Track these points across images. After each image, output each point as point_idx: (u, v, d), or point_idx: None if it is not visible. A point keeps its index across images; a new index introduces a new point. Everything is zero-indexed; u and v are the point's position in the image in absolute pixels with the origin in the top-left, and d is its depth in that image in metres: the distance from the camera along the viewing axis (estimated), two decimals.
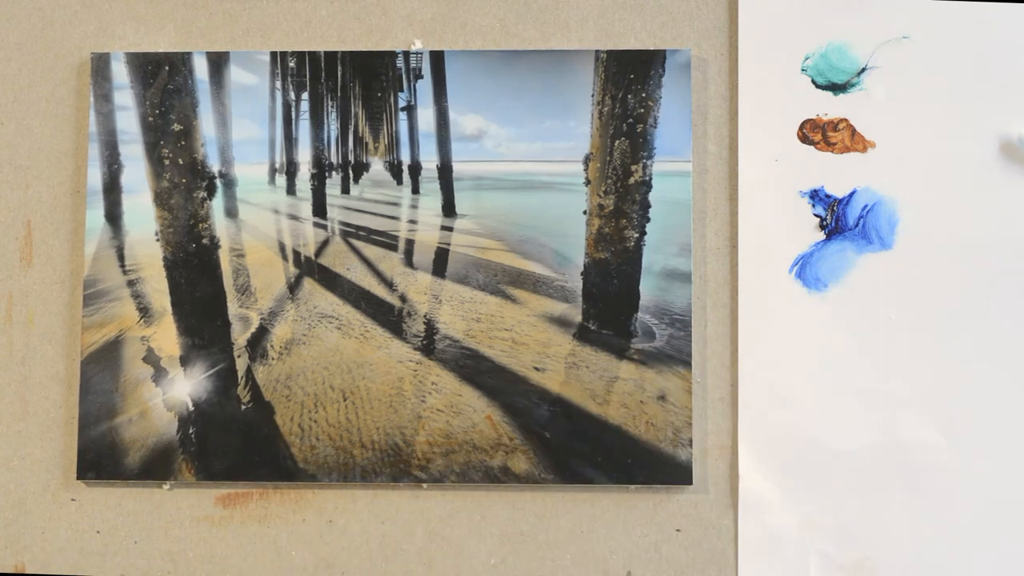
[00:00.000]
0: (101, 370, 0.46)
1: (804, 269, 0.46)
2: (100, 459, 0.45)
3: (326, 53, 0.47)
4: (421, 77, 0.47)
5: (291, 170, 0.47)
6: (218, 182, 0.47)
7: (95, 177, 0.47)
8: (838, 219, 0.46)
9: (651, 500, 0.45)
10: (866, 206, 0.46)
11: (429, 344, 0.46)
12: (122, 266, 0.47)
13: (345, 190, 0.47)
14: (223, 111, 0.47)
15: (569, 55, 0.47)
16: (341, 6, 0.48)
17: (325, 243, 0.47)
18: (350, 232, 0.47)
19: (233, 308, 0.46)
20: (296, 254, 0.47)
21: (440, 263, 0.47)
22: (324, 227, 0.47)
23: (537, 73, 0.47)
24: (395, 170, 0.47)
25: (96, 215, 0.47)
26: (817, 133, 0.47)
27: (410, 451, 0.45)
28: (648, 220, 0.46)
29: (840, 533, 0.45)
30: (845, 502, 0.45)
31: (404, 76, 0.47)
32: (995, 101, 0.46)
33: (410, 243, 0.47)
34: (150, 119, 0.47)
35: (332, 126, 0.48)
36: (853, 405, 0.45)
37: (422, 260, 0.47)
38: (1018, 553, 0.45)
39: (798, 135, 0.47)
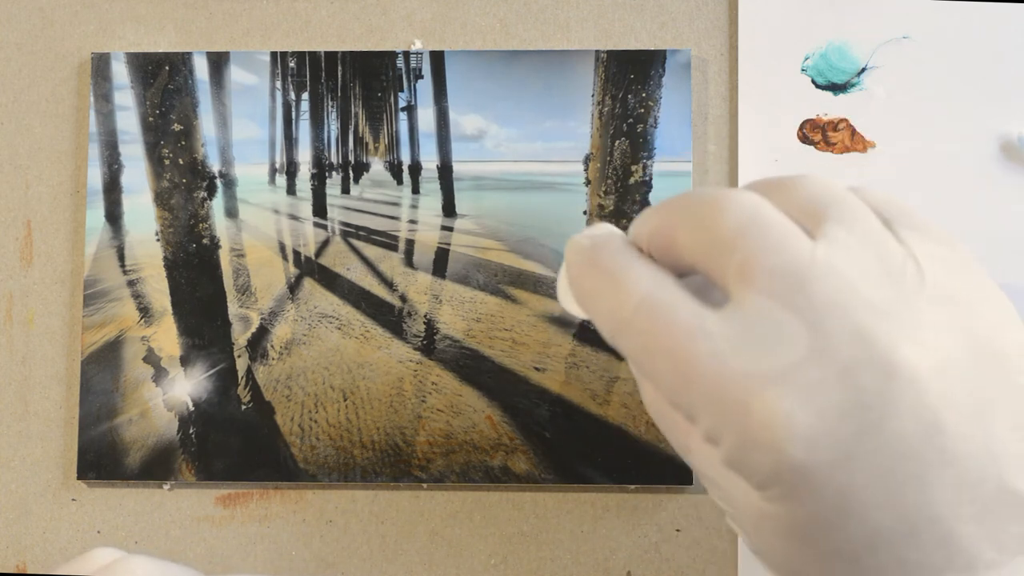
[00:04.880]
0: (101, 370, 0.46)
1: None
2: (100, 459, 0.45)
3: (326, 53, 0.47)
4: (421, 77, 0.47)
5: (291, 170, 0.47)
6: (218, 182, 0.47)
7: (95, 177, 0.47)
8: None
9: (651, 500, 0.45)
10: None
11: (429, 344, 0.46)
12: (122, 266, 0.47)
13: (345, 190, 0.47)
14: (223, 111, 0.47)
15: (569, 55, 0.47)
16: (341, 6, 0.48)
17: (325, 243, 0.47)
18: (350, 232, 0.47)
19: (233, 308, 0.46)
20: (296, 254, 0.47)
21: (440, 263, 0.47)
22: (324, 227, 0.47)
23: (537, 73, 0.47)
24: (395, 170, 0.47)
25: (96, 215, 0.47)
26: (817, 133, 0.47)
27: (410, 451, 0.45)
28: None
29: None
30: None
31: (404, 76, 0.47)
32: (995, 101, 0.46)
33: (410, 243, 0.47)
34: (150, 119, 0.47)
35: (332, 126, 0.48)
36: None
37: (422, 260, 0.47)
38: None
39: (798, 135, 0.47)
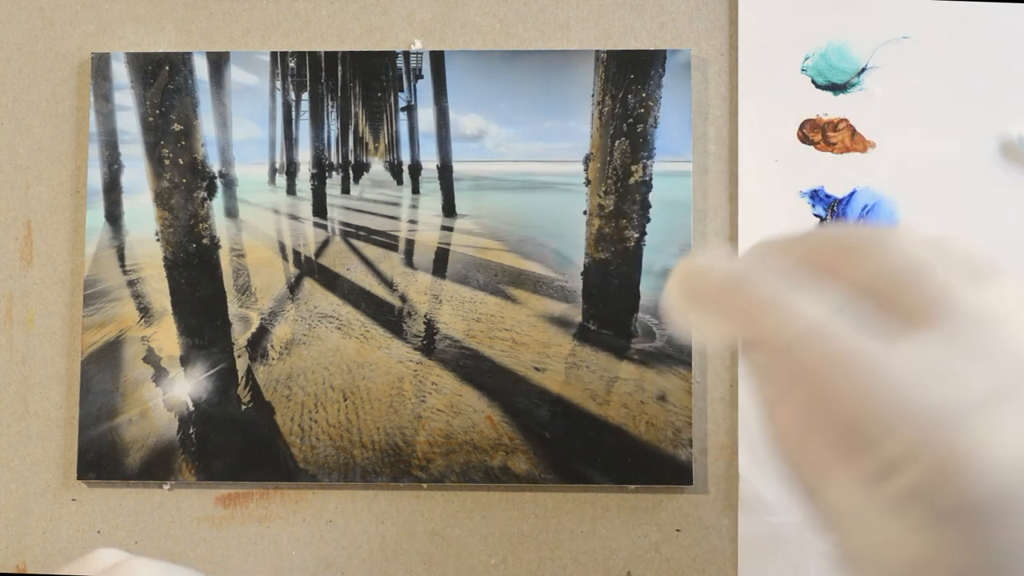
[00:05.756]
0: (101, 370, 0.46)
1: None
2: (100, 459, 0.45)
3: (326, 53, 0.47)
4: (421, 77, 0.47)
5: (291, 170, 0.47)
6: (218, 182, 0.47)
7: (95, 177, 0.47)
8: (838, 219, 0.46)
9: (651, 500, 0.45)
10: (866, 206, 0.46)
11: (429, 344, 0.46)
12: (122, 266, 0.47)
13: (345, 190, 0.47)
14: (223, 111, 0.47)
15: (569, 55, 0.47)
16: (341, 6, 0.48)
17: (325, 243, 0.47)
18: (350, 232, 0.47)
19: (233, 308, 0.46)
20: (296, 254, 0.47)
21: (440, 263, 0.47)
22: (324, 227, 0.47)
23: (537, 73, 0.47)
24: (395, 170, 0.47)
25: (96, 215, 0.47)
26: (817, 133, 0.47)
27: (410, 451, 0.45)
28: (648, 220, 0.46)
29: None
30: None
31: (404, 76, 0.47)
32: (995, 101, 0.46)
33: (410, 243, 0.47)
34: (150, 119, 0.47)
35: (332, 126, 0.48)
36: None
37: (422, 260, 0.47)
38: None
39: (798, 135, 0.47)
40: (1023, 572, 0.22)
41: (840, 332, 0.24)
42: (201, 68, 0.47)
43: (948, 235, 0.26)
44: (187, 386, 0.46)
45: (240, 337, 0.46)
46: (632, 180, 0.46)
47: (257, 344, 0.46)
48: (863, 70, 0.47)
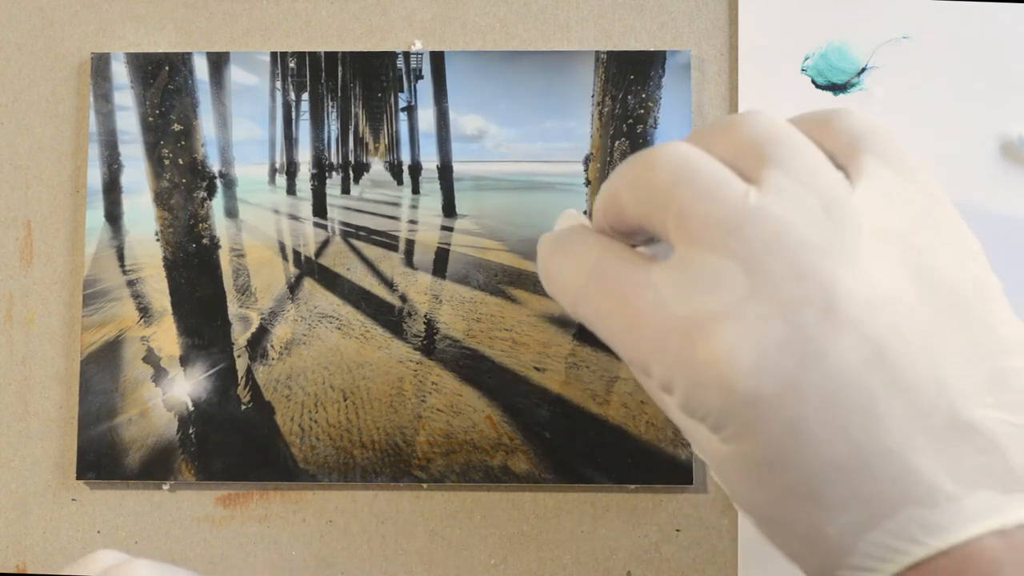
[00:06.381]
0: (101, 370, 0.46)
1: None
2: (100, 459, 0.45)
3: (326, 53, 0.47)
4: (421, 77, 0.47)
5: (291, 170, 0.47)
6: (218, 182, 0.47)
7: (95, 177, 0.47)
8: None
9: (651, 500, 0.45)
10: None
11: (429, 344, 0.46)
12: (122, 266, 0.47)
13: (345, 190, 0.47)
14: (223, 111, 0.47)
15: (569, 55, 0.47)
16: (341, 6, 0.48)
17: (325, 243, 0.47)
18: (350, 232, 0.47)
19: (233, 308, 0.46)
20: (296, 254, 0.47)
21: (440, 263, 0.47)
22: (324, 227, 0.47)
23: (537, 73, 0.47)
24: (395, 170, 0.47)
25: (96, 215, 0.47)
26: None
27: (410, 451, 0.45)
28: None
29: None
30: None
31: (404, 76, 0.47)
32: (995, 101, 0.46)
33: (410, 243, 0.47)
34: (150, 119, 0.47)
35: (332, 126, 0.48)
36: None
37: (422, 260, 0.47)
38: None
39: None
40: (793, 459, 0.22)
41: (611, 267, 0.24)
42: (201, 68, 0.47)
43: (729, 120, 0.25)
44: (187, 386, 0.46)
45: (240, 337, 0.46)
46: None
47: (257, 344, 0.46)
48: (863, 70, 0.47)
